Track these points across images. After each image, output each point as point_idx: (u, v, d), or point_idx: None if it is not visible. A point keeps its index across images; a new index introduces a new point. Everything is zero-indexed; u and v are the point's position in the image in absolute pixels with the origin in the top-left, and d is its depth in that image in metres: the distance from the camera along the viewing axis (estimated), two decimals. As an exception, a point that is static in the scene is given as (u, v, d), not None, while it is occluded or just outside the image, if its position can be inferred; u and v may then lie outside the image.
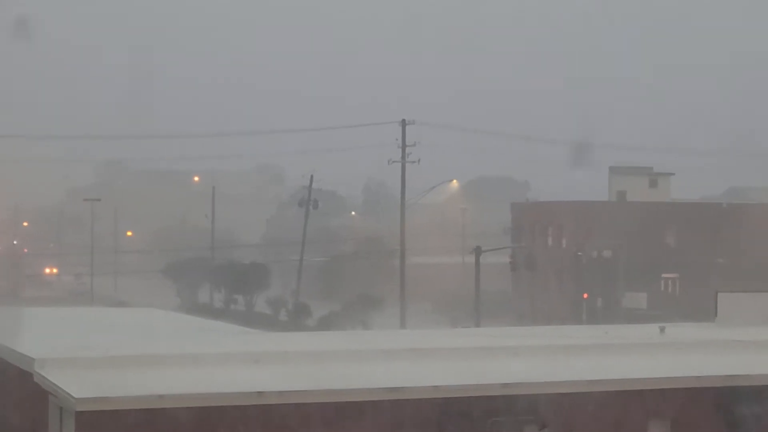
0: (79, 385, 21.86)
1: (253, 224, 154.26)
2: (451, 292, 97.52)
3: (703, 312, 48.09)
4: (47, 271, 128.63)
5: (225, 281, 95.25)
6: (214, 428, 21.72)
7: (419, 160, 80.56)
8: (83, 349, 26.42)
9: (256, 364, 25.27)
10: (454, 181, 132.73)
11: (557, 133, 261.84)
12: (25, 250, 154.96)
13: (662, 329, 33.53)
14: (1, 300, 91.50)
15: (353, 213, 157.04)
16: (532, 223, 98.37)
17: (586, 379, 24.53)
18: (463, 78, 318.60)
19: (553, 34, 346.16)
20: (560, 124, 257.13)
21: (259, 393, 22.10)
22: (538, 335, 33.95)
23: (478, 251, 67.64)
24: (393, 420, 22.67)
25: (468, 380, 24.04)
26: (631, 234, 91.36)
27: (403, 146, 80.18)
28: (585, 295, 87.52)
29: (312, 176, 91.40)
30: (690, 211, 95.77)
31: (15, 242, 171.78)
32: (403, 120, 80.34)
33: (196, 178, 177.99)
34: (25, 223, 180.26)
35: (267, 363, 25.43)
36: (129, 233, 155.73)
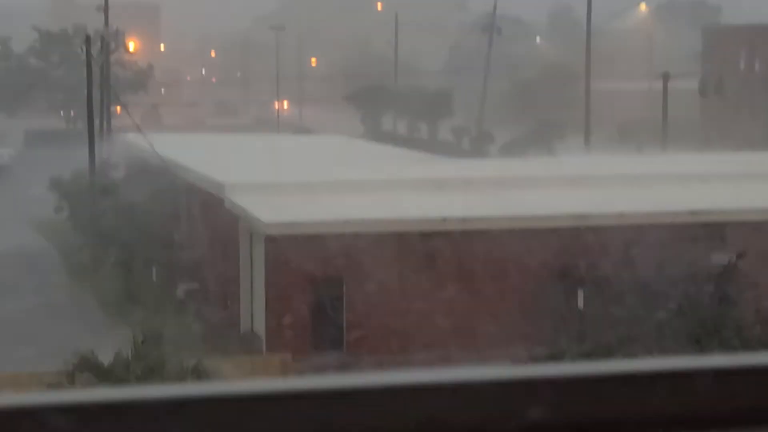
0: (269, 210, 22.39)
1: (435, 51, 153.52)
2: (638, 119, 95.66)
3: None
4: (275, 105, 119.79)
5: (408, 109, 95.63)
6: (398, 254, 22.03)
7: (606, -17, 78.21)
8: (271, 175, 27.00)
9: (440, 191, 25.40)
10: (643, 5, 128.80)
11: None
12: (214, 79, 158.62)
13: None
14: (192, 128, 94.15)
15: (538, 39, 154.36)
16: (723, 48, 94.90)
17: (778, 207, 23.83)
18: None
19: None
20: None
21: (443, 219, 22.24)
22: (728, 162, 33.04)
23: (666, 76, 65.86)
24: (576, 247, 22.55)
25: (655, 207, 23.64)
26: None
27: (590, -31, 77.85)
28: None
29: (496, 2, 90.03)
30: None
31: (203, 71, 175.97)
32: (590, -59, 77.78)
33: (379, 5, 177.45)
34: (213, 53, 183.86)
35: (450, 190, 25.53)
36: (313, 61, 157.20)
